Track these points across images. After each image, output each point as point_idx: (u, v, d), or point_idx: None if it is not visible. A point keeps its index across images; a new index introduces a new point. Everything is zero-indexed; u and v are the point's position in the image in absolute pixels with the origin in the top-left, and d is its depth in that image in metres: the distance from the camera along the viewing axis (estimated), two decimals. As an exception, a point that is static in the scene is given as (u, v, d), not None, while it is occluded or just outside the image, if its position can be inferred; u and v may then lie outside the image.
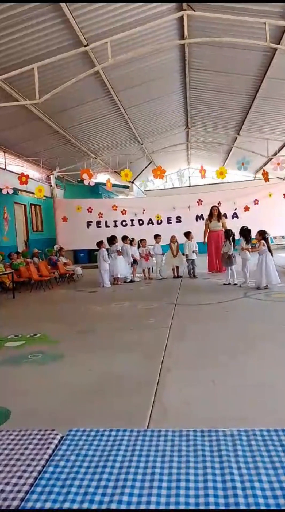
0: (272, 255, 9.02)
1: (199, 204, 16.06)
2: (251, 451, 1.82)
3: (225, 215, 14.91)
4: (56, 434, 2.12)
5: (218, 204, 15.37)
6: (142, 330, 5.87)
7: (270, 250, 9.03)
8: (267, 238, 9.19)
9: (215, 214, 13.08)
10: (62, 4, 6.67)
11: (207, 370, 3.97)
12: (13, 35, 7.30)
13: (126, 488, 1.59)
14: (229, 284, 9.85)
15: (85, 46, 7.95)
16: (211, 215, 13.15)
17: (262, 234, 9.11)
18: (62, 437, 2.11)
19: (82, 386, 3.77)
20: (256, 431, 1.99)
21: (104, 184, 18.14)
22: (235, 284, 9.70)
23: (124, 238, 12.33)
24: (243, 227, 9.83)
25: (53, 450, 1.97)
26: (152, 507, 1.49)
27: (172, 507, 1.48)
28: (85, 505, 1.53)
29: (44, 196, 16.31)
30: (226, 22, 7.93)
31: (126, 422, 2.93)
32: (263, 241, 8.96)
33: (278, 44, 8.10)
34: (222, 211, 15.64)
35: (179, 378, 3.85)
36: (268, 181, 14.84)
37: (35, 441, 2.06)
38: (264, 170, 14.97)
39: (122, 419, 3.04)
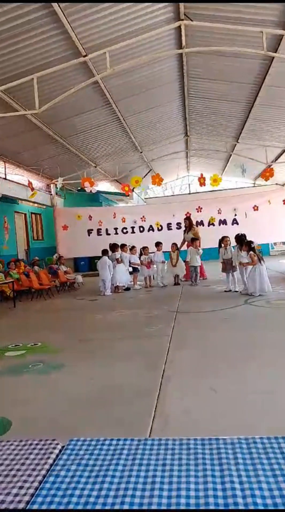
0: (262, 263, 9.11)
1: (198, 211, 16.14)
2: (251, 459, 1.82)
3: (225, 221, 15.08)
4: (57, 444, 2.12)
5: (218, 211, 15.57)
6: (143, 338, 5.87)
7: (260, 259, 9.13)
8: (254, 247, 9.29)
9: (186, 225, 13.55)
10: (61, 15, 6.74)
11: (209, 378, 3.97)
12: (12, 46, 7.37)
13: (127, 497, 1.59)
14: (230, 291, 9.86)
15: (84, 56, 8.03)
16: (185, 227, 13.65)
17: (249, 245, 9.20)
18: (63, 447, 2.11)
19: (83, 395, 3.77)
20: (256, 439, 1.99)
21: (105, 192, 18.18)
22: (236, 291, 9.70)
23: (122, 246, 12.35)
24: (239, 234, 9.91)
25: (54, 460, 1.97)
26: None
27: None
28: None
29: (45, 205, 16.43)
30: (223, 31, 8.00)
31: (127, 431, 2.92)
32: (252, 253, 9.06)
33: (275, 52, 8.17)
34: (222, 218, 15.83)
35: (180, 387, 3.84)
36: (270, 178, 14.64)
37: (36, 451, 2.07)
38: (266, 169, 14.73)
39: (123, 428, 3.03)
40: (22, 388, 4.13)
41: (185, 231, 13.62)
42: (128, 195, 16.59)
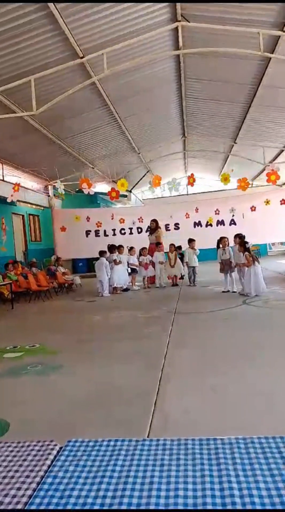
0: (256, 263, 9.11)
1: (196, 212, 16.18)
2: (249, 459, 1.82)
3: (223, 221, 15.09)
4: (55, 445, 2.12)
5: (216, 211, 15.62)
6: (142, 339, 5.86)
7: (255, 260, 9.14)
8: (249, 248, 9.29)
9: (152, 227, 13.79)
10: (58, 16, 6.75)
11: (207, 379, 3.97)
12: (10, 48, 7.37)
13: (125, 497, 1.59)
14: (228, 291, 9.86)
15: (81, 57, 8.03)
16: (150, 228, 13.87)
17: (243, 245, 9.21)
18: (61, 448, 2.10)
19: (82, 397, 3.76)
20: (254, 439, 1.99)
21: (103, 194, 18.17)
22: (234, 292, 9.70)
23: (119, 247, 12.36)
24: (238, 234, 9.90)
25: (52, 461, 1.97)
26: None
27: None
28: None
29: (42, 206, 16.37)
30: (220, 32, 8.01)
31: (126, 432, 2.91)
32: (247, 254, 9.07)
33: (272, 53, 8.19)
34: (220, 218, 15.87)
35: (179, 387, 3.84)
36: (248, 187, 14.49)
37: (34, 452, 2.06)
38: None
39: (122, 429, 3.02)
40: (20, 390, 4.12)
41: (151, 233, 13.79)
42: (113, 200, 16.52)
